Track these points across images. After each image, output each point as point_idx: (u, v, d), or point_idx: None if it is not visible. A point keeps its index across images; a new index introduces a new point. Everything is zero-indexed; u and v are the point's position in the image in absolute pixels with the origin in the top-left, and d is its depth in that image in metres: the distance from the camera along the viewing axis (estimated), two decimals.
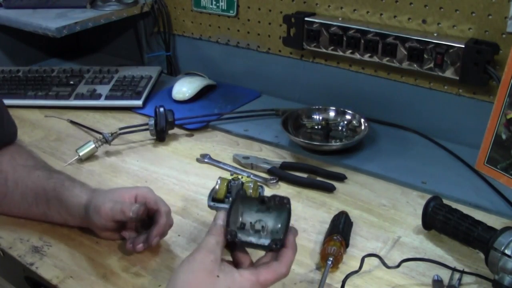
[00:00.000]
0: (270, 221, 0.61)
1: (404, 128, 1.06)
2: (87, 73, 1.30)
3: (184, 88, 1.21)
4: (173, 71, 1.41)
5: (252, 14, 1.20)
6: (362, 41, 1.02)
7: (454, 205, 0.76)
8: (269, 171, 0.93)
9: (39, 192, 0.76)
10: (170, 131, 1.06)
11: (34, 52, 1.52)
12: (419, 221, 0.77)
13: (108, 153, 1.01)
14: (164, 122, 1.02)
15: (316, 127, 1.06)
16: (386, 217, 0.81)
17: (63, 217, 0.76)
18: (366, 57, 1.03)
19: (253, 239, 0.59)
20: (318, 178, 0.91)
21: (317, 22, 1.06)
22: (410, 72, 1.01)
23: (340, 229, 0.73)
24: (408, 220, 0.80)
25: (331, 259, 0.68)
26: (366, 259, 0.69)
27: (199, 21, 1.31)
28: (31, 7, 1.31)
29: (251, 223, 0.61)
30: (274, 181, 0.90)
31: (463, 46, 0.91)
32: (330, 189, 0.87)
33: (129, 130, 1.04)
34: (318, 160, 0.96)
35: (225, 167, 0.95)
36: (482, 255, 0.68)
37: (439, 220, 0.73)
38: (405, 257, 0.70)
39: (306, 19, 1.08)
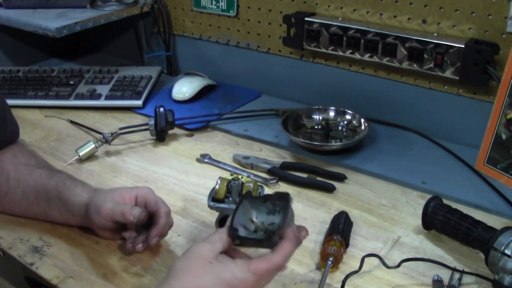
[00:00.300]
0: (269, 217, 0.63)
1: (404, 128, 1.06)
2: (87, 73, 1.30)
3: (184, 88, 1.21)
4: (173, 71, 1.41)
5: (252, 14, 1.20)
6: (362, 41, 1.02)
7: (454, 205, 0.76)
8: (269, 171, 0.93)
9: (40, 191, 0.76)
10: (170, 131, 1.06)
11: (34, 52, 1.52)
12: (419, 221, 0.77)
13: (108, 153, 1.01)
14: (164, 122, 1.02)
15: (316, 127, 1.07)
16: (386, 217, 0.81)
17: (64, 216, 0.76)
18: (366, 57, 1.03)
19: (250, 235, 0.60)
20: (318, 178, 0.91)
21: (317, 22, 1.06)
22: (410, 72, 1.01)
23: (340, 229, 0.73)
24: (408, 220, 0.80)
25: (331, 259, 0.68)
26: (366, 259, 0.69)
27: (199, 21, 1.31)
28: (31, 7, 1.31)
29: (253, 220, 0.62)
30: (274, 181, 0.90)
31: (463, 46, 0.91)
32: (330, 189, 0.87)
33: (129, 130, 1.04)
34: (318, 160, 0.96)
35: (225, 167, 0.95)
36: (482, 255, 0.68)
37: (439, 220, 0.73)
38: (405, 257, 0.70)
39: (306, 19, 1.08)
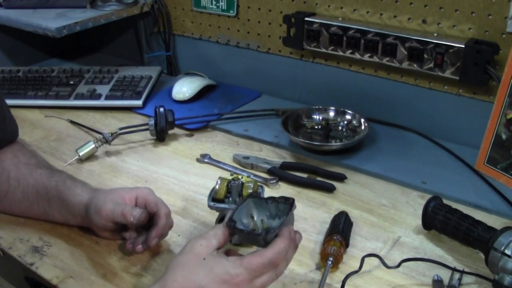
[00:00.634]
0: (270, 218, 0.63)
1: (404, 128, 1.06)
2: (87, 73, 1.30)
3: (184, 88, 1.21)
4: (173, 71, 1.41)
5: (252, 14, 1.20)
6: (362, 41, 1.02)
7: (454, 205, 0.76)
8: (269, 171, 0.93)
9: (40, 191, 0.76)
10: (170, 131, 1.06)
11: (34, 52, 1.52)
12: (419, 221, 0.77)
13: (108, 153, 1.01)
14: (164, 122, 1.02)
15: (316, 127, 1.07)
16: (386, 217, 0.81)
17: (64, 216, 0.76)
18: (366, 57, 1.03)
19: (247, 229, 0.61)
20: (318, 178, 0.91)
21: (317, 22, 1.06)
22: (410, 72, 1.01)
23: (340, 229, 0.73)
24: (408, 220, 0.80)
25: (331, 259, 0.68)
26: (366, 259, 0.69)
27: (199, 21, 1.31)
28: (31, 7, 1.31)
29: (253, 218, 0.63)
30: (274, 181, 0.90)
31: (463, 46, 0.91)
32: (330, 189, 0.87)
33: (129, 130, 1.04)
34: (318, 160, 0.96)
35: (225, 167, 0.95)
36: (482, 255, 0.68)
37: (439, 220, 0.73)
38: (405, 257, 0.70)
39: (306, 19, 1.08)
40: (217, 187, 0.78)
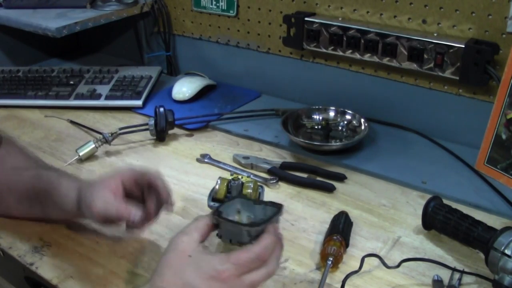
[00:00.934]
0: (257, 216, 0.64)
1: (404, 128, 1.06)
2: (87, 73, 1.30)
3: (184, 88, 1.21)
4: (173, 71, 1.41)
5: (252, 14, 1.20)
6: (362, 41, 1.02)
7: (454, 205, 0.76)
8: (269, 171, 0.93)
9: (31, 196, 0.75)
10: (170, 131, 1.06)
11: (34, 52, 1.52)
12: (419, 221, 0.77)
13: (108, 153, 1.01)
14: (164, 122, 1.02)
15: (316, 127, 1.07)
16: (386, 217, 0.81)
17: (60, 216, 0.75)
18: (366, 57, 1.03)
19: (232, 219, 0.62)
20: (318, 178, 0.91)
21: (317, 22, 1.06)
22: (410, 72, 1.01)
23: (340, 229, 0.73)
24: (408, 220, 0.80)
25: (331, 259, 0.68)
26: (366, 259, 0.69)
27: (199, 21, 1.31)
28: (31, 7, 1.31)
29: (239, 212, 0.64)
30: (274, 181, 0.90)
31: (463, 46, 0.91)
32: (330, 189, 0.87)
33: (129, 130, 1.04)
34: (318, 160, 0.97)
35: (225, 167, 0.95)
36: (482, 255, 0.68)
37: (439, 220, 0.73)
38: (405, 257, 0.70)
39: (306, 19, 1.08)
40: (217, 187, 0.78)
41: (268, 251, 0.57)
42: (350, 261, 0.71)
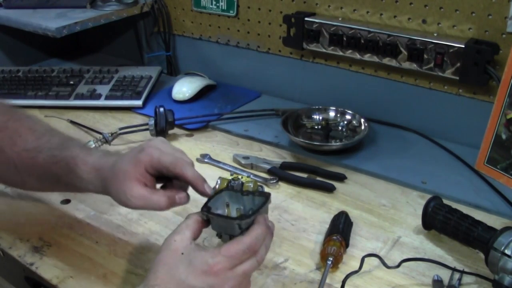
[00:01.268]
0: (246, 207, 0.64)
1: (404, 128, 1.06)
2: (87, 73, 1.30)
3: (184, 88, 1.21)
4: (173, 71, 1.41)
5: (252, 14, 1.20)
6: (362, 41, 1.02)
7: (454, 205, 0.76)
8: (269, 171, 0.93)
9: (50, 179, 0.71)
10: (170, 131, 1.06)
11: (34, 52, 1.52)
12: (419, 221, 0.77)
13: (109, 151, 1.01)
14: (164, 122, 1.02)
15: (316, 127, 1.07)
16: (386, 217, 0.81)
17: (86, 189, 0.70)
18: (366, 57, 1.03)
19: (222, 214, 0.62)
20: (318, 178, 0.91)
21: (317, 22, 1.06)
22: (410, 72, 1.01)
23: (340, 229, 0.73)
24: (408, 220, 0.80)
25: (331, 259, 0.68)
26: (366, 259, 0.69)
27: (199, 21, 1.31)
28: (31, 7, 1.31)
29: (228, 205, 0.65)
30: (274, 181, 0.90)
31: (463, 46, 0.91)
32: (330, 189, 0.87)
33: (129, 130, 1.04)
34: (318, 160, 0.96)
35: (225, 167, 0.95)
36: (482, 255, 0.68)
37: (439, 220, 0.73)
38: (405, 257, 0.70)
39: (306, 19, 1.08)
40: (217, 187, 0.78)
41: (259, 241, 0.58)
42: (350, 261, 0.71)
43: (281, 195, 0.87)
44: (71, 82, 1.25)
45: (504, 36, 0.89)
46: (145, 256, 0.73)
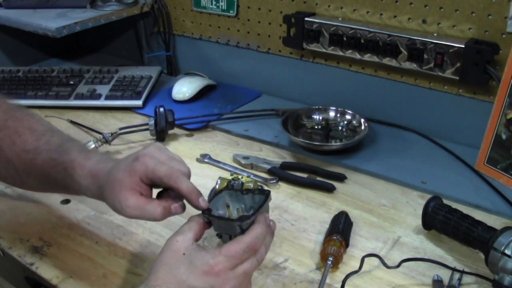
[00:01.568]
0: (245, 209, 0.64)
1: (404, 128, 1.06)
2: (87, 73, 1.30)
3: (184, 88, 1.21)
4: (173, 71, 1.41)
5: (252, 14, 1.20)
6: (362, 41, 1.02)
7: (454, 205, 0.76)
8: (269, 171, 0.93)
9: (49, 181, 0.71)
10: (170, 131, 1.06)
11: (34, 52, 1.52)
12: (419, 221, 0.77)
13: (108, 153, 1.01)
14: (164, 122, 1.02)
15: (316, 127, 1.07)
16: (386, 217, 0.81)
17: (83, 195, 0.70)
18: (366, 57, 1.03)
19: (223, 216, 0.62)
20: (318, 178, 0.91)
21: (317, 22, 1.06)
22: (410, 72, 1.01)
23: (340, 229, 0.73)
24: (408, 220, 0.80)
25: (331, 259, 0.68)
26: (366, 259, 0.69)
27: (199, 21, 1.31)
28: (31, 7, 1.31)
29: (229, 206, 0.64)
30: (274, 181, 0.90)
31: (463, 46, 0.91)
32: (330, 189, 0.87)
33: (129, 130, 1.04)
34: (318, 160, 0.96)
35: (225, 167, 0.95)
36: (482, 255, 0.68)
37: (439, 220, 0.73)
38: (405, 257, 0.70)
39: (306, 19, 1.08)
40: (217, 187, 0.78)
41: (259, 241, 0.58)
42: (350, 261, 0.71)
43: (281, 195, 0.87)
44: (71, 82, 1.25)
45: (504, 36, 0.89)
46: (145, 256, 0.73)
